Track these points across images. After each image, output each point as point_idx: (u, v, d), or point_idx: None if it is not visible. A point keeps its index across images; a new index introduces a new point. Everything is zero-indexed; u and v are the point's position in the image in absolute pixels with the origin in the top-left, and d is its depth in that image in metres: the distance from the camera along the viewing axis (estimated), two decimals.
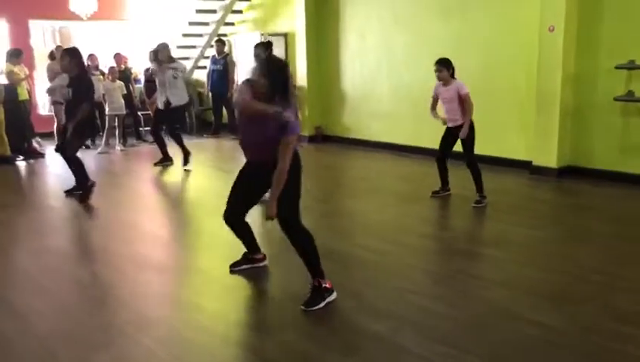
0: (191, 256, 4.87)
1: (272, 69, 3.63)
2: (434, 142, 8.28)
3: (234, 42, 11.83)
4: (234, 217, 3.99)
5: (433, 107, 6.07)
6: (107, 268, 4.53)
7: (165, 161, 8.44)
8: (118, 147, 10.18)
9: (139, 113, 11.06)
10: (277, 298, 3.99)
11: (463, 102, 5.73)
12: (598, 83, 6.79)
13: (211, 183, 7.68)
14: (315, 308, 3.52)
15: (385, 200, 6.31)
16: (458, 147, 5.91)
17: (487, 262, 4.48)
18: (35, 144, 9.64)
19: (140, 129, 11.09)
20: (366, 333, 3.27)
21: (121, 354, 3.13)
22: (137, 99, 11.11)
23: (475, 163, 5.83)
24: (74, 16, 11.03)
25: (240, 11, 11.79)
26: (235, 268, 4.21)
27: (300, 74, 10.25)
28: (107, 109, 9.94)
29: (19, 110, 9.20)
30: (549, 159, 7.07)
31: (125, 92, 10.25)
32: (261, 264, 4.27)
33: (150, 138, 10.85)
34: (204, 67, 11.87)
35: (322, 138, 10.26)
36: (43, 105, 11.42)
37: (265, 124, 3.55)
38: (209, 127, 11.62)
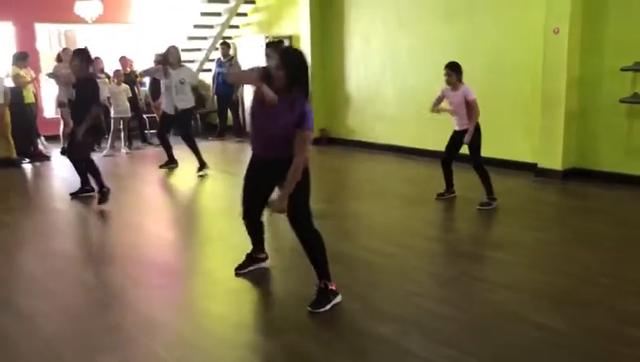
0: (196, 259, 4.88)
1: (289, 59, 3.53)
2: (439, 145, 8.29)
3: (239, 45, 11.85)
4: (253, 215, 3.99)
5: (435, 105, 6.06)
6: (113, 270, 4.54)
7: (170, 163, 8.45)
8: (124, 150, 10.21)
9: (144, 116, 11.09)
10: (282, 300, 3.99)
11: (471, 107, 5.71)
12: (604, 85, 6.77)
13: (216, 186, 7.69)
14: (321, 310, 3.52)
15: (390, 203, 6.31)
16: (464, 150, 5.89)
17: (493, 264, 4.47)
18: (40, 146, 9.68)
19: (146, 132, 11.12)
20: (371, 336, 3.27)
21: (127, 356, 3.14)
22: (142, 101, 11.15)
23: (481, 166, 5.81)
24: (79, 20, 11.08)
25: (245, 14, 11.81)
26: (240, 270, 4.21)
27: None
28: (112, 112, 9.97)
29: (25, 113, 9.24)
30: (554, 161, 7.05)
31: (130, 95, 10.28)
32: (264, 264, 4.27)
33: (155, 141, 10.90)
34: (209, 70, 11.91)
35: (327, 140, 10.26)
36: (50, 109, 11.45)
37: (277, 117, 3.49)
38: (214, 130, 11.65)
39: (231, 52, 11.40)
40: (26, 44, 11.07)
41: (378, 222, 5.63)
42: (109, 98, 9.84)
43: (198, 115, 11.84)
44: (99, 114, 6.46)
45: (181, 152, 8.43)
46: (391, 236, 5.12)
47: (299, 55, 3.61)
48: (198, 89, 8.43)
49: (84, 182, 6.74)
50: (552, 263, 4.37)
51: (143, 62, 11.73)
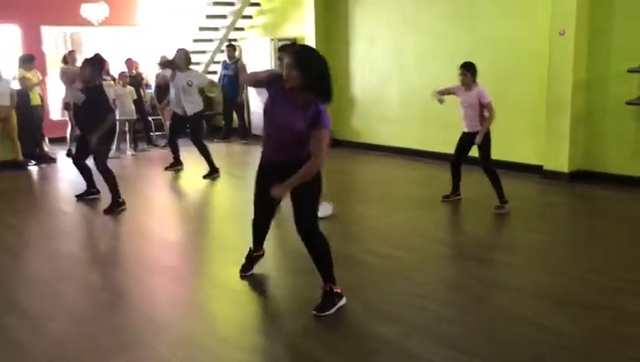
0: (201, 261, 4.88)
1: (302, 58, 3.35)
2: (444, 147, 8.30)
3: (243, 47, 11.87)
4: (263, 221, 3.98)
5: (441, 92, 5.98)
6: (118, 272, 4.55)
7: (176, 165, 8.45)
8: (129, 152, 10.24)
9: (149, 118, 11.12)
10: (288, 303, 3.98)
11: (485, 110, 5.65)
12: (610, 86, 6.75)
13: (222, 188, 7.69)
14: (326, 313, 3.52)
15: (395, 205, 6.30)
16: (473, 152, 5.85)
17: (498, 266, 4.45)
18: (45, 147, 9.73)
19: (151, 134, 11.15)
20: (376, 338, 3.26)
21: (133, 357, 3.14)
22: (148, 104, 11.18)
23: (492, 169, 5.72)
24: (85, 22, 11.12)
25: (250, 16, 11.84)
26: (244, 273, 4.22)
27: None
28: (118, 114, 9.98)
29: (31, 115, 9.29)
30: (560, 163, 7.03)
31: (136, 97, 10.31)
32: (262, 258, 4.28)
33: (161, 143, 10.94)
34: (215, 72, 11.93)
35: (332, 142, 10.24)
36: (56, 111, 11.51)
37: (291, 118, 3.40)
38: (219, 132, 11.66)
39: (236, 54, 11.41)
40: (32, 46, 11.12)
41: (383, 224, 5.62)
42: (114, 100, 9.86)
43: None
44: (114, 121, 6.39)
45: (188, 154, 8.43)
46: (396, 238, 5.11)
47: (313, 53, 3.46)
48: (204, 91, 8.34)
49: (90, 184, 6.76)
50: (557, 265, 4.35)
51: (149, 64, 11.78)
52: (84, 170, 6.65)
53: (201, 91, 8.28)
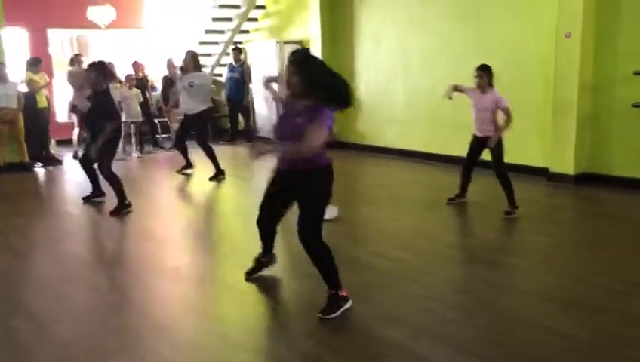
0: (207, 263, 4.89)
1: (303, 64, 3.47)
2: (450, 149, 8.31)
3: (249, 50, 11.90)
4: (267, 223, 3.96)
5: (452, 89, 5.84)
6: (124, 274, 4.56)
7: (187, 168, 8.33)
8: (135, 154, 10.28)
9: (155, 120, 11.15)
10: (293, 306, 3.98)
11: (501, 115, 5.57)
12: (616, 89, 6.72)
13: (227, 190, 7.71)
14: (331, 315, 3.51)
15: (401, 208, 6.29)
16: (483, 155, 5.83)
17: (505, 269, 4.44)
18: (51, 150, 9.77)
19: (157, 136, 11.18)
20: (382, 341, 3.25)
21: (137, 359, 3.15)
22: (154, 106, 11.21)
23: (505, 174, 5.65)
24: (92, 25, 11.17)
25: (255, 19, 11.87)
26: (250, 275, 4.21)
27: None
28: (124, 116, 10.02)
29: (38, 118, 9.34)
30: (566, 166, 7.01)
31: (142, 99, 10.34)
32: (272, 265, 4.27)
33: (167, 145, 10.98)
34: (221, 75, 11.96)
35: (337, 145, 10.25)
36: (62, 113, 11.55)
37: (296, 127, 3.45)
38: (225, 134, 11.69)
39: (242, 57, 11.44)
40: (39, 49, 11.18)
41: (389, 227, 5.61)
42: (120, 102, 9.91)
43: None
44: (116, 128, 6.34)
45: (194, 156, 8.42)
46: (402, 241, 5.10)
47: (311, 58, 3.57)
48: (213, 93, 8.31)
49: (96, 186, 6.78)
50: (564, 268, 4.34)
51: (155, 67, 11.82)
52: (90, 173, 6.67)
53: (210, 93, 8.24)
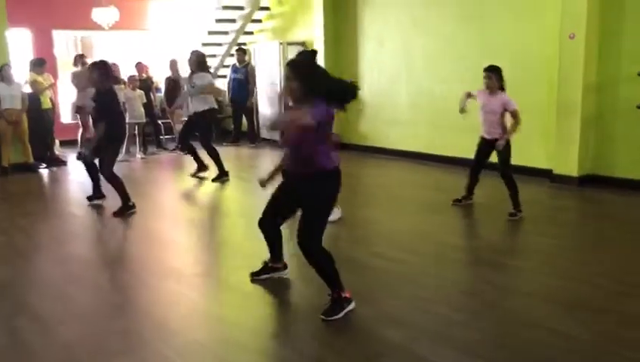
0: (210, 264, 4.90)
1: (300, 69, 3.50)
2: (453, 150, 8.30)
3: (253, 51, 11.91)
4: (268, 223, 3.95)
5: (468, 95, 5.81)
6: (128, 275, 4.57)
7: (201, 170, 8.18)
8: (139, 155, 10.30)
9: (159, 122, 11.18)
10: (297, 307, 3.99)
11: (513, 117, 5.50)
12: (620, 90, 6.71)
13: (230, 191, 7.72)
14: (334, 317, 3.51)
15: (404, 209, 6.29)
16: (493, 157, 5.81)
17: (508, 271, 4.44)
18: (56, 151, 9.80)
19: (161, 137, 11.21)
20: (386, 343, 3.25)
21: (140, 361, 3.15)
22: (158, 107, 11.23)
23: (510, 176, 5.63)
24: (96, 26, 11.20)
25: (259, 20, 11.88)
26: (255, 276, 4.21)
27: None
28: (128, 117, 10.05)
29: (42, 119, 9.37)
30: (570, 167, 7.00)
31: (145, 100, 10.37)
32: (282, 273, 4.25)
33: (170, 146, 11.00)
34: (224, 76, 11.98)
35: (340, 146, 10.25)
36: (67, 114, 11.59)
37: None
38: (228, 135, 11.70)
39: (246, 58, 11.45)
40: (44, 50, 11.21)
41: (392, 228, 5.61)
42: (124, 103, 9.93)
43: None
44: (106, 129, 6.31)
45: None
46: (405, 242, 5.10)
47: (308, 62, 3.58)
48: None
49: (96, 187, 6.75)
50: (567, 269, 4.33)
51: (159, 68, 11.84)
52: (92, 172, 6.65)
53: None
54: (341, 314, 3.54)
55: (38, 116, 9.26)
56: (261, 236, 4.07)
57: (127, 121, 10.01)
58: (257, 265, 4.25)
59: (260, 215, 3.95)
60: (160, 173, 9.29)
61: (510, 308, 3.69)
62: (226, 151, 9.53)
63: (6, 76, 8.69)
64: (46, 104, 9.50)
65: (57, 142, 10.07)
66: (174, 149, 10.68)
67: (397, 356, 3.10)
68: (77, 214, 6.55)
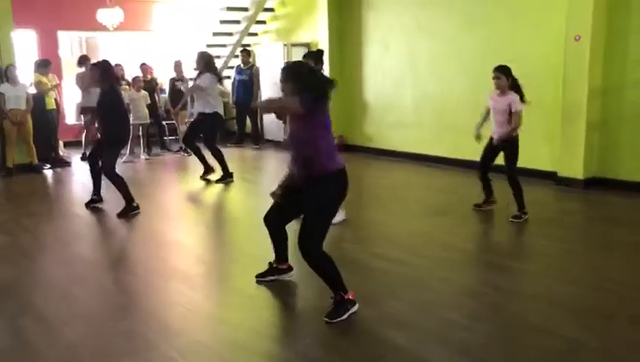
0: (214, 266, 4.89)
1: (288, 71, 3.66)
2: (457, 153, 8.29)
3: (257, 52, 11.92)
4: (273, 221, 3.97)
5: (485, 118, 5.73)
6: (132, 276, 4.57)
7: (208, 172, 8.14)
8: (143, 156, 10.31)
9: (163, 123, 11.19)
10: (300, 309, 3.99)
11: (513, 118, 5.48)
12: (626, 94, 6.69)
13: (234, 193, 7.71)
14: (337, 319, 3.50)
15: (408, 211, 6.28)
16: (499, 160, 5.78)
17: (514, 274, 4.42)
18: (60, 151, 9.82)
19: (165, 138, 11.22)
20: (389, 345, 3.24)
21: (144, 361, 3.15)
22: (162, 108, 11.24)
23: (515, 178, 5.60)
24: (101, 27, 11.23)
25: (263, 22, 11.89)
26: (260, 278, 4.21)
27: None
28: (132, 118, 10.06)
29: (46, 119, 9.39)
30: (575, 170, 6.98)
31: (149, 102, 10.38)
32: (286, 275, 4.24)
33: (174, 147, 11.01)
34: (229, 77, 11.98)
35: (344, 147, 10.25)
36: (71, 115, 11.62)
37: (296, 134, 3.59)
38: (232, 137, 11.71)
39: (250, 59, 11.46)
40: (49, 51, 11.24)
41: (396, 230, 5.60)
42: (128, 105, 9.94)
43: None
44: (122, 127, 6.32)
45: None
46: (409, 245, 5.09)
47: (297, 64, 3.86)
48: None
49: (95, 189, 6.71)
50: (573, 273, 4.32)
51: (164, 69, 11.86)
52: (94, 173, 6.64)
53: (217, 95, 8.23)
54: (345, 316, 3.53)
55: (43, 117, 9.29)
56: (266, 238, 4.07)
57: (131, 122, 10.07)
58: (262, 267, 4.25)
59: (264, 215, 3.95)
60: (164, 174, 9.29)
61: (515, 312, 3.67)
62: (229, 153, 9.53)
63: (11, 77, 8.72)
64: (50, 105, 9.52)
65: (61, 143, 10.09)
66: (178, 150, 10.71)
67: (401, 358, 3.09)
68: (81, 215, 6.55)
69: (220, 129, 8.82)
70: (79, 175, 8.89)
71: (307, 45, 10.76)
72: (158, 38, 12.86)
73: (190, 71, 10.24)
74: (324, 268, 3.57)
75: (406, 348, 3.19)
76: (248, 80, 11.19)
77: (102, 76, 6.16)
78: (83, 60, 10.09)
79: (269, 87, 11.18)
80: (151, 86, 10.77)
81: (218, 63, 11.97)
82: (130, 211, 6.23)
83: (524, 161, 7.40)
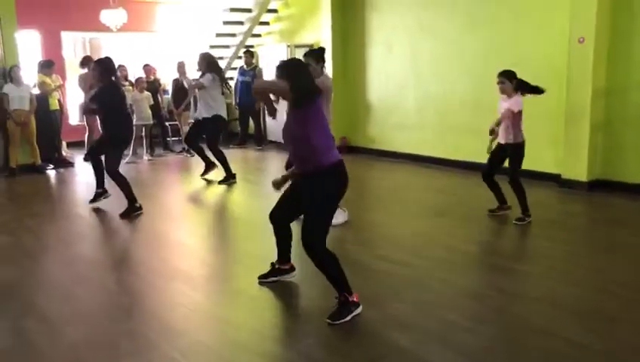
0: (216, 266, 4.89)
1: (289, 68, 3.67)
2: (460, 154, 8.28)
3: (260, 53, 11.93)
4: (277, 218, 3.98)
5: (497, 124, 5.60)
6: (134, 276, 4.57)
7: (209, 169, 8.20)
8: (146, 156, 10.32)
9: (166, 123, 11.20)
10: (303, 310, 3.98)
11: (503, 114, 5.45)
12: (630, 96, 6.67)
13: (237, 194, 7.71)
14: (340, 321, 3.49)
15: (411, 212, 6.27)
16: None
17: (517, 276, 4.41)
18: (63, 152, 9.83)
19: (168, 139, 11.23)
20: (391, 346, 3.24)
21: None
22: (165, 109, 11.25)
23: (517, 180, 5.57)
24: (104, 28, 11.25)
25: (267, 23, 11.90)
26: (263, 279, 4.21)
27: None
28: (135, 119, 10.07)
29: (50, 120, 9.40)
30: (579, 172, 6.96)
31: (152, 102, 10.39)
32: (288, 275, 4.24)
33: (177, 148, 11.01)
34: (232, 78, 11.98)
35: (347, 149, 10.25)
36: (75, 115, 11.63)
37: (292, 130, 3.60)
38: (235, 138, 11.71)
39: (254, 60, 11.46)
40: (52, 51, 11.27)
41: (398, 231, 5.59)
42: (131, 105, 9.95)
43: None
44: (125, 127, 6.31)
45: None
46: (412, 246, 5.08)
47: (293, 61, 3.87)
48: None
49: (99, 182, 6.71)
50: (577, 275, 4.30)
51: (167, 70, 11.87)
52: (97, 168, 6.63)
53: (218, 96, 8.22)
54: (348, 318, 3.52)
55: (46, 117, 9.30)
56: (268, 238, 4.07)
57: (134, 122, 10.08)
58: (264, 268, 4.25)
59: (267, 217, 3.96)
60: (167, 175, 9.29)
61: (518, 314, 3.66)
62: (232, 154, 9.54)
63: (15, 77, 8.74)
64: (54, 105, 9.54)
65: (65, 143, 10.10)
66: (181, 151, 10.71)
67: (404, 360, 3.09)
68: (84, 215, 6.56)
69: (222, 132, 8.82)
70: (82, 175, 8.90)
71: (310, 46, 10.73)
72: (162, 39, 12.88)
73: (193, 72, 10.24)
74: (329, 266, 3.57)
75: (409, 350, 3.18)
76: (251, 81, 11.17)
77: (103, 74, 6.16)
78: (86, 61, 10.10)
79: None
80: (154, 87, 10.78)
81: (221, 64, 11.97)
82: (132, 212, 6.23)
83: (528, 163, 7.38)
